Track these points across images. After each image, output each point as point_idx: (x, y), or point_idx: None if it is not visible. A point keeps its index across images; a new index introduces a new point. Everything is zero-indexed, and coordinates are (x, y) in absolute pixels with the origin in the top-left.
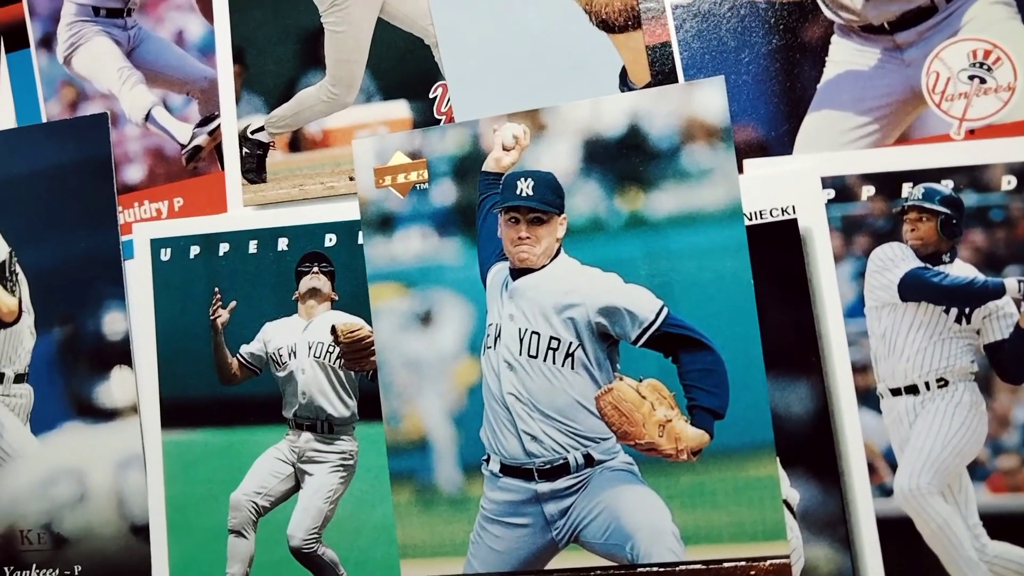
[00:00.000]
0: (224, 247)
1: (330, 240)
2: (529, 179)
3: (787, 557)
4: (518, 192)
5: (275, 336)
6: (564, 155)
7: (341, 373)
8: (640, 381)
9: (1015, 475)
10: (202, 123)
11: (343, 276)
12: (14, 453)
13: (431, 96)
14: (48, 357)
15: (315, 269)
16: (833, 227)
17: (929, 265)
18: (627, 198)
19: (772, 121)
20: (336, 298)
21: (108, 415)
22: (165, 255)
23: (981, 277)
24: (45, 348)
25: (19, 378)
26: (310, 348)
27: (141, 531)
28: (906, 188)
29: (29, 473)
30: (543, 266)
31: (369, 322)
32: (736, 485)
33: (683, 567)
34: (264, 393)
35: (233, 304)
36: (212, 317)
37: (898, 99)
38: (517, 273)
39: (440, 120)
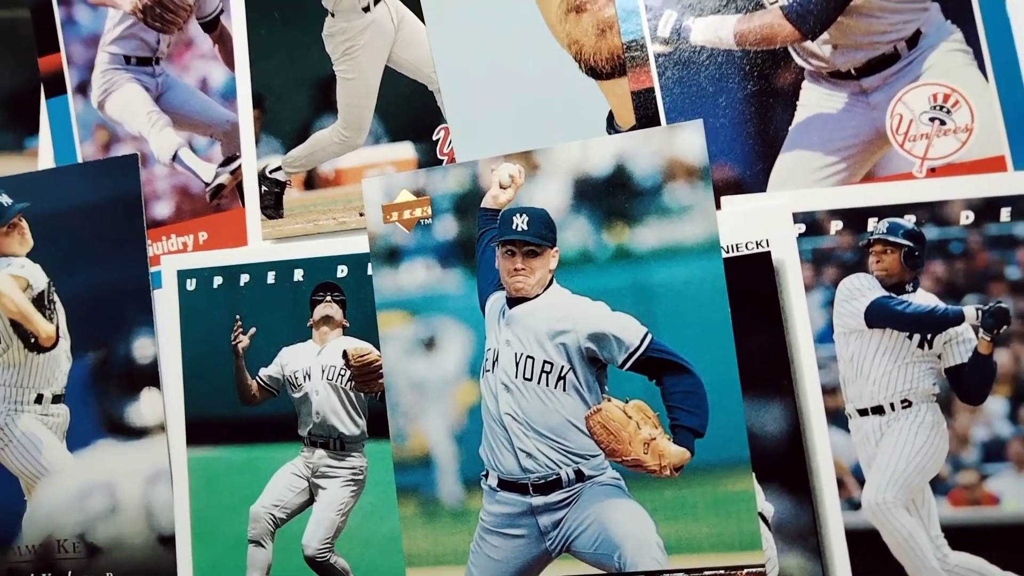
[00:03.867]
0: (245, 278)
1: (342, 271)
2: (524, 215)
3: (762, 566)
4: (514, 227)
5: (291, 360)
6: (556, 193)
7: (352, 394)
8: (627, 402)
9: (974, 490)
10: (224, 163)
11: (354, 304)
12: (51, 468)
13: (434, 138)
14: (83, 379)
15: (328, 298)
16: (804, 259)
17: (893, 294)
18: (614, 233)
19: (747, 161)
20: (347, 325)
21: (138, 433)
22: (191, 285)
23: (942, 305)
24: (80, 371)
25: (56, 399)
26: (323, 371)
27: (168, 541)
28: (872, 223)
29: (65, 487)
30: (537, 295)
31: (378, 347)
32: (715, 499)
33: (667, 575)
34: (281, 413)
35: (253, 330)
36: (233, 342)
37: (864, 140)
38: (513, 302)
39: (442, 160)
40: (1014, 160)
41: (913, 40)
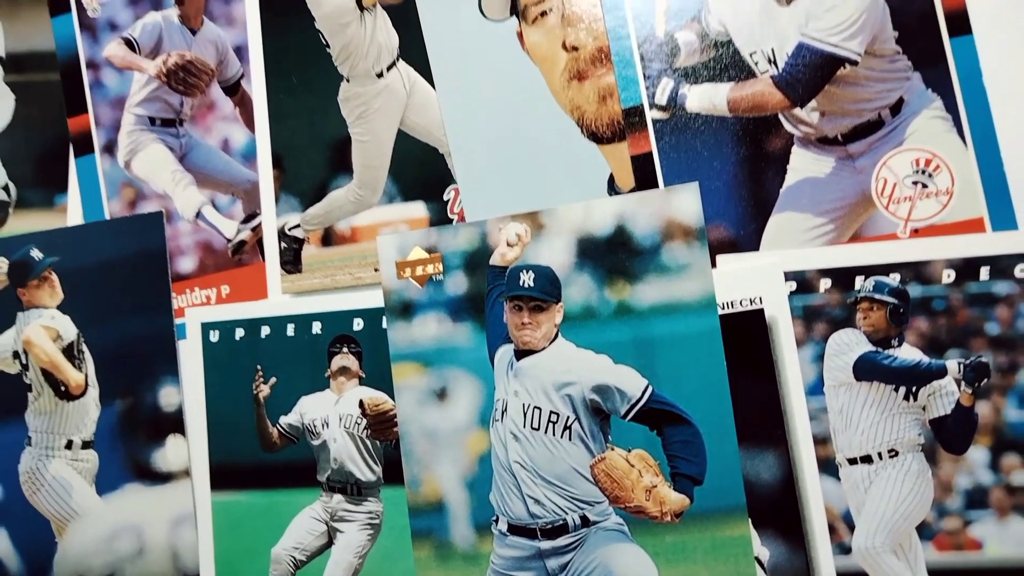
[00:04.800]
0: (265, 330)
1: (358, 324)
2: (530, 272)
3: None
4: (521, 283)
5: (310, 409)
6: (560, 251)
7: (368, 442)
8: (629, 451)
9: (958, 535)
10: (245, 220)
11: (369, 356)
12: (82, 511)
13: (445, 198)
14: (111, 426)
15: (345, 350)
16: (795, 315)
17: (880, 349)
18: (615, 289)
19: (741, 221)
20: (363, 375)
21: (164, 478)
22: (214, 336)
23: (926, 360)
24: (108, 418)
25: (86, 445)
26: (341, 420)
27: None
28: (859, 281)
29: (95, 529)
30: (543, 348)
31: (392, 397)
32: (713, 544)
33: None
34: (301, 459)
35: (273, 380)
36: (255, 392)
37: (851, 202)
38: (521, 354)
39: (453, 219)
40: (992, 222)
41: (896, 108)
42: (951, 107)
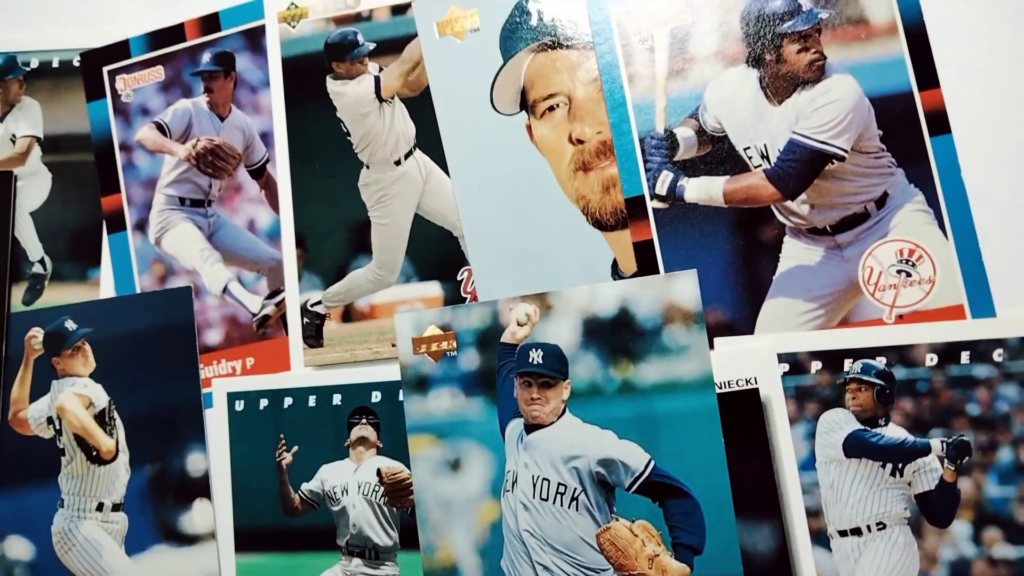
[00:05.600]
0: (288, 400)
1: (376, 397)
2: (539, 350)
3: None
4: (530, 360)
5: (330, 476)
6: (567, 331)
7: (385, 509)
8: (633, 522)
9: None
10: (270, 296)
11: (387, 427)
12: (111, 571)
13: (459, 279)
14: (140, 490)
15: (363, 421)
16: (788, 395)
17: (868, 428)
18: (619, 368)
19: (737, 306)
20: (381, 445)
21: (190, 540)
22: (239, 406)
23: (911, 438)
24: (138, 482)
25: (116, 507)
26: (359, 487)
27: None
28: (847, 363)
29: None
30: (552, 423)
31: (409, 467)
32: None
33: None
34: (321, 524)
35: (295, 448)
36: (278, 459)
37: (840, 289)
38: (530, 428)
39: (466, 299)
40: (971, 309)
41: (881, 201)
42: (932, 201)
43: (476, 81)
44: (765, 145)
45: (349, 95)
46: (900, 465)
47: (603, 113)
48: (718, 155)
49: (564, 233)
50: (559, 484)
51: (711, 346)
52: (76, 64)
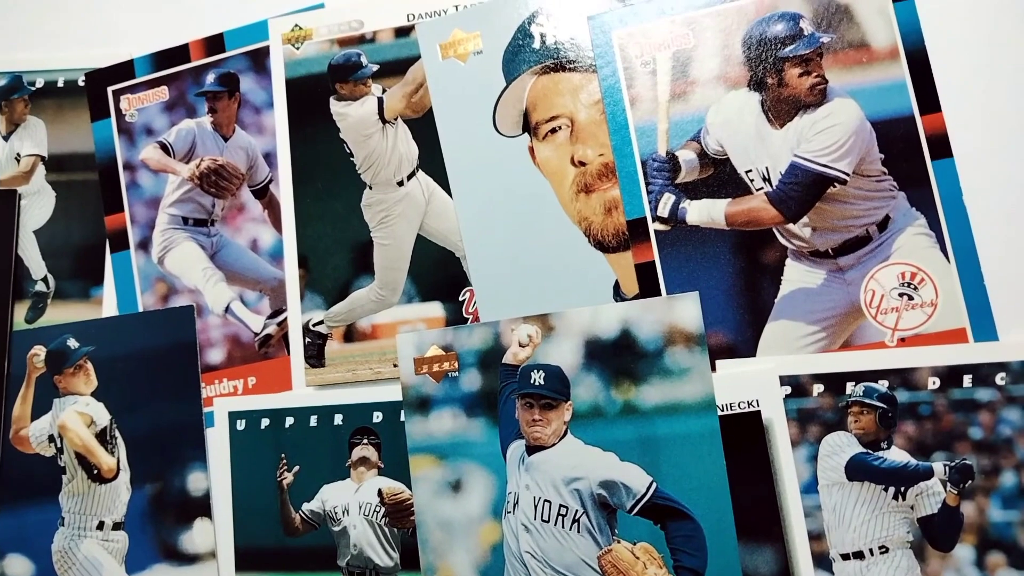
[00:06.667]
0: (289, 420)
1: (377, 417)
2: (541, 371)
3: None
4: (532, 382)
5: (331, 496)
6: (569, 352)
7: (386, 529)
8: (634, 544)
9: None
10: (272, 316)
11: (388, 448)
12: None
13: (460, 299)
14: (141, 508)
15: (365, 441)
16: (790, 418)
17: (870, 451)
18: (621, 390)
19: (738, 329)
20: (382, 466)
21: (191, 559)
22: (240, 425)
23: (913, 461)
24: (139, 501)
25: (117, 526)
26: (360, 507)
27: None
28: (849, 386)
29: None
30: (553, 444)
31: (410, 487)
32: None
33: None
34: (322, 544)
35: (296, 468)
36: (279, 479)
37: (842, 312)
38: (532, 449)
39: (468, 320)
40: (973, 332)
41: (883, 224)
42: (934, 224)
43: (479, 103)
44: (767, 168)
45: (352, 116)
46: (903, 489)
47: (605, 135)
48: (720, 178)
49: (566, 255)
50: (560, 506)
51: (713, 368)
52: (81, 84)
